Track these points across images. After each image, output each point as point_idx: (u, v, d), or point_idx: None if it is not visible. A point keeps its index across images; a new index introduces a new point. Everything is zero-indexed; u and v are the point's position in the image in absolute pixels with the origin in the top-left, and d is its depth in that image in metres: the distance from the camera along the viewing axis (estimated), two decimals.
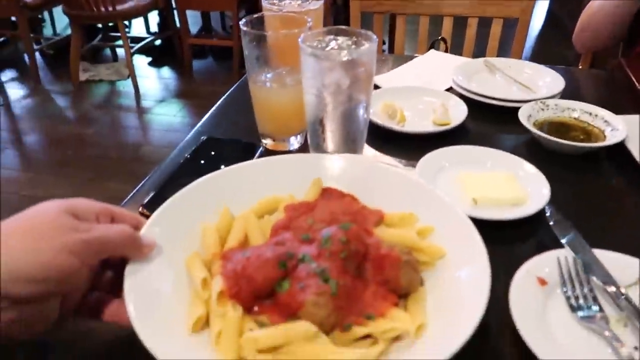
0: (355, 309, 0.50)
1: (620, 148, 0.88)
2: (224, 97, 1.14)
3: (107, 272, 0.55)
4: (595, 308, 0.57)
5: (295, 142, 0.92)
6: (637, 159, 0.85)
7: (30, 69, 3.88)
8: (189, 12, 3.82)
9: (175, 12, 3.98)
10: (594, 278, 0.60)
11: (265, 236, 0.60)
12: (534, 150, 0.92)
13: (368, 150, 0.91)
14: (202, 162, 0.84)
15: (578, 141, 0.90)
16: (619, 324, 0.56)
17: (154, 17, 4.63)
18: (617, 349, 0.52)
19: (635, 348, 0.52)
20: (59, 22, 4.64)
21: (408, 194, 0.64)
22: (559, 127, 0.96)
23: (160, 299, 0.51)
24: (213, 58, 4.36)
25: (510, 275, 0.59)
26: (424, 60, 1.32)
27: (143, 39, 4.18)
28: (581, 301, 0.58)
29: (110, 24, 4.28)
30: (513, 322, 0.54)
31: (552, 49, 4.17)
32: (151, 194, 0.76)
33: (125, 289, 0.49)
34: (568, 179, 0.85)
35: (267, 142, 0.91)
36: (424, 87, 1.11)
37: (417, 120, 1.00)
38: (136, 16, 3.83)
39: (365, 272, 0.54)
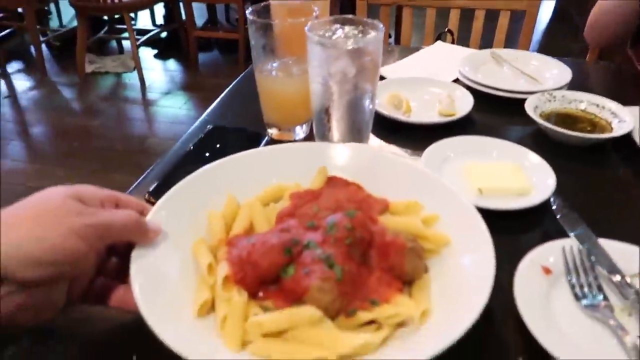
0: (360, 295, 0.51)
1: (627, 139, 0.88)
2: (229, 87, 1.14)
3: (113, 258, 0.55)
4: (599, 297, 0.57)
5: (300, 132, 0.92)
6: None
7: (37, 60, 3.89)
8: (194, 5, 3.81)
9: (181, 4, 3.97)
10: (599, 267, 0.60)
11: (271, 223, 0.60)
12: (540, 141, 0.91)
13: (374, 141, 0.91)
14: (208, 150, 0.84)
15: (585, 132, 0.90)
16: (623, 313, 0.56)
17: (159, 9, 4.62)
18: (622, 338, 0.52)
19: None
20: (65, 14, 4.64)
21: (413, 182, 0.64)
22: (566, 119, 0.95)
23: (166, 284, 0.51)
24: (219, 51, 4.35)
25: (515, 265, 0.59)
26: (430, 51, 1.32)
27: (149, 31, 4.18)
28: (586, 290, 0.58)
29: (116, 16, 4.29)
30: (517, 311, 0.54)
31: (559, 43, 4.14)
32: (157, 182, 0.76)
33: (132, 273, 0.49)
34: (574, 171, 0.84)
35: (273, 132, 0.92)
36: (430, 78, 1.10)
37: (423, 111, 1.00)
38: (142, 8, 3.83)
39: (369, 259, 0.54)
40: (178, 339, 0.44)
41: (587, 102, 0.97)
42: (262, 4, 0.84)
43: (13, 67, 4.04)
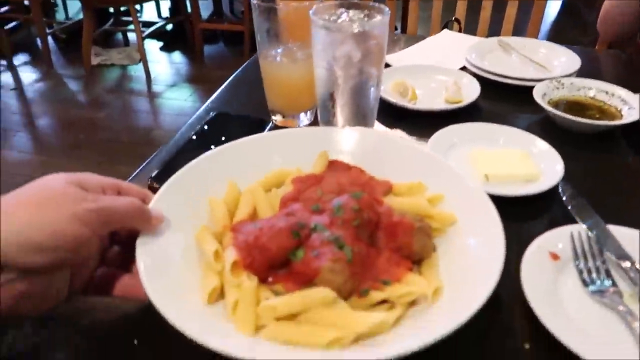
0: (371, 276, 0.50)
1: (637, 127, 0.86)
2: (234, 75, 1.13)
3: (115, 247, 0.54)
4: (607, 282, 0.56)
5: (305, 119, 0.91)
6: None
7: (43, 53, 3.89)
8: None
9: None
10: (608, 253, 0.59)
11: (274, 209, 0.59)
12: (548, 129, 0.90)
13: (379, 128, 0.90)
14: (211, 137, 0.84)
15: (594, 120, 0.88)
16: (632, 299, 0.55)
17: (165, 1, 4.61)
18: (630, 324, 0.51)
19: None
20: (71, 6, 4.64)
21: (415, 164, 0.64)
22: (574, 106, 0.94)
23: (174, 272, 0.50)
24: (224, 43, 4.34)
25: (522, 252, 0.58)
26: (437, 40, 1.30)
27: (154, 23, 4.18)
28: (594, 275, 0.57)
29: (122, 9, 4.29)
30: (524, 297, 0.53)
31: (566, 36, 4.10)
32: (160, 168, 0.76)
33: (138, 262, 0.48)
34: (583, 158, 0.83)
35: (277, 119, 0.91)
36: (436, 65, 1.09)
37: (429, 99, 0.99)
38: (147, 0, 3.82)
39: (377, 240, 0.54)
40: (192, 326, 0.43)
41: (596, 90, 0.95)
42: None
43: (19, 59, 4.04)
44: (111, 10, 4.40)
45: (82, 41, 3.66)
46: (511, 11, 1.68)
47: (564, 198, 0.69)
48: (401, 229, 0.53)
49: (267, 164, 0.65)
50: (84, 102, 3.56)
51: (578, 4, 4.57)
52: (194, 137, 0.84)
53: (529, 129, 0.84)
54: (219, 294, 0.50)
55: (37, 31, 3.91)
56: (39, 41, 3.97)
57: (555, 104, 0.94)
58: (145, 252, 0.49)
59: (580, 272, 0.57)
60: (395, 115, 0.93)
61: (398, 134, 0.85)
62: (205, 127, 0.86)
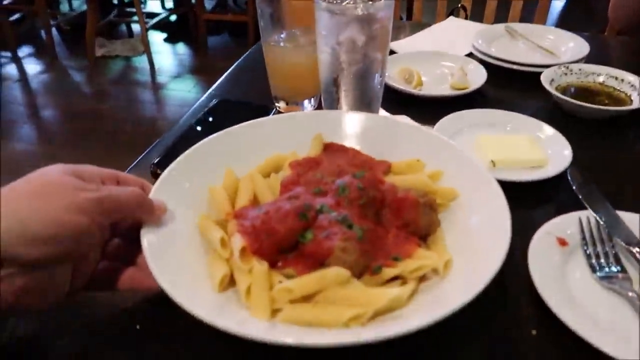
0: (381, 253, 0.50)
1: None
2: (238, 62, 1.12)
3: (115, 240, 0.53)
4: (616, 268, 0.55)
5: (308, 106, 0.90)
6: None
7: (47, 44, 3.89)
8: None
9: None
10: (617, 239, 0.57)
11: (275, 193, 0.59)
12: (555, 116, 0.89)
13: (383, 114, 0.89)
14: (213, 123, 0.83)
15: (603, 106, 0.87)
16: None
17: None
18: None
19: None
20: None
21: (411, 142, 0.64)
22: (583, 92, 0.92)
23: (182, 262, 0.49)
24: (228, 34, 4.32)
25: (530, 238, 0.57)
26: (442, 27, 1.28)
27: (158, 14, 4.15)
28: (602, 261, 0.56)
29: (126, 0, 4.27)
30: (531, 283, 0.52)
31: (574, 24, 4.04)
32: (163, 154, 0.75)
33: (147, 255, 0.47)
34: (591, 145, 0.82)
35: (281, 106, 0.90)
36: (442, 52, 1.07)
37: (435, 85, 0.97)
38: None
39: (383, 218, 0.54)
40: (211, 314, 0.42)
41: (605, 75, 0.94)
42: None
43: (24, 51, 4.04)
44: (115, 1, 4.38)
45: (86, 32, 3.66)
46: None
47: (573, 184, 0.67)
48: (407, 205, 0.53)
49: (260, 150, 0.65)
50: (88, 93, 3.56)
51: None
52: (196, 124, 0.83)
53: (536, 116, 0.83)
54: (229, 282, 0.50)
55: (41, 23, 3.91)
56: (43, 33, 3.96)
57: (563, 90, 0.92)
58: (153, 244, 0.48)
59: (589, 258, 0.56)
60: (400, 102, 0.92)
61: (403, 119, 0.84)
62: (208, 114, 0.85)
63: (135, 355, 0.50)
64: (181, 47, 4.17)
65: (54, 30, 4.05)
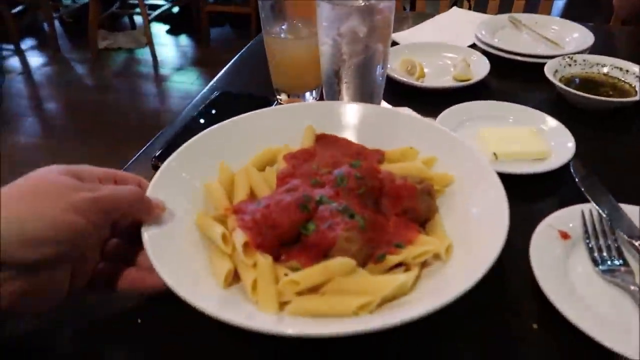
0: (384, 241, 0.50)
1: None
2: (240, 54, 1.12)
3: (113, 239, 0.53)
4: (618, 262, 0.54)
5: (310, 98, 0.89)
6: None
7: (50, 37, 3.89)
8: None
9: None
10: (620, 232, 0.57)
11: (271, 187, 0.58)
12: (559, 107, 0.88)
13: (385, 106, 0.88)
14: (215, 115, 0.83)
15: (607, 97, 0.86)
16: None
17: None
18: None
19: None
20: None
21: (403, 129, 0.64)
22: (587, 84, 0.91)
23: (185, 260, 0.49)
24: (230, 26, 4.31)
25: (532, 231, 0.57)
26: (445, 17, 1.27)
27: (160, 6, 4.14)
28: (604, 254, 0.55)
29: None
30: (533, 276, 0.52)
31: (579, 14, 4.01)
32: (164, 147, 0.75)
33: (150, 254, 0.46)
34: (595, 137, 0.81)
35: (282, 98, 0.89)
36: (445, 43, 1.06)
37: (437, 76, 0.97)
38: None
39: (382, 206, 0.54)
40: (221, 309, 0.42)
41: (610, 66, 0.93)
42: None
43: (26, 43, 4.04)
44: None
45: (89, 25, 3.65)
46: None
47: (575, 176, 0.67)
48: (405, 192, 0.53)
49: (251, 145, 0.64)
50: (91, 86, 3.56)
51: None
52: (198, 116, 0.83)
53: (540, 107, 0.82)
54: (232, 278, 0.49)
55: (43, 15, 3.90)
56: (45, 25, 3.96)
57: (567, 81, 0.91)
58: (154, 240, 0.48)
59: (591, 251, 0.56)
60: (402, 94, 0.91)
61: (406, 111, 0.83)
62: (209, 106, 0.85)
63: (136, 354, 0.50)
64: (184, 39, 4.16)
65: (56, 22, 4.05)
